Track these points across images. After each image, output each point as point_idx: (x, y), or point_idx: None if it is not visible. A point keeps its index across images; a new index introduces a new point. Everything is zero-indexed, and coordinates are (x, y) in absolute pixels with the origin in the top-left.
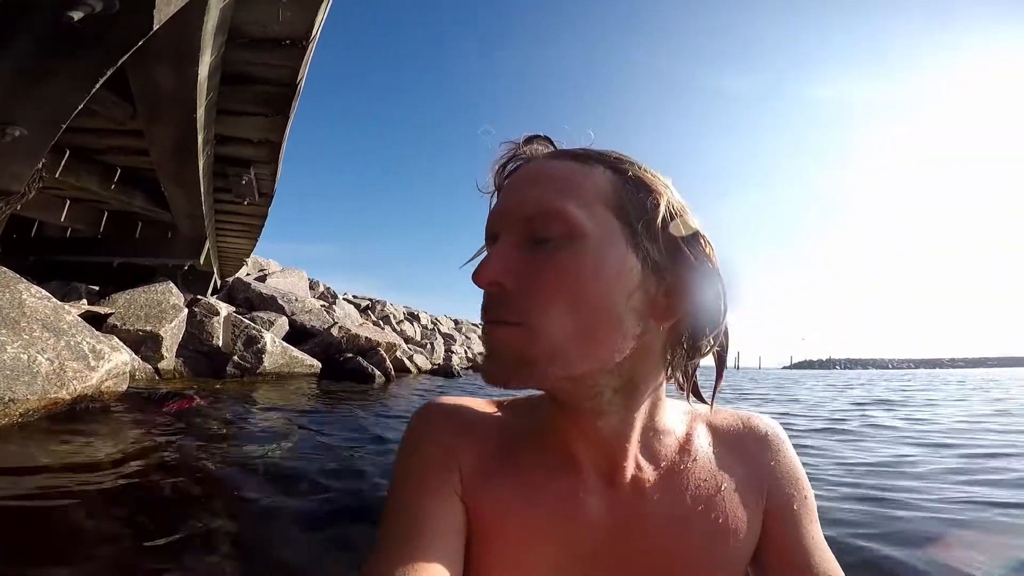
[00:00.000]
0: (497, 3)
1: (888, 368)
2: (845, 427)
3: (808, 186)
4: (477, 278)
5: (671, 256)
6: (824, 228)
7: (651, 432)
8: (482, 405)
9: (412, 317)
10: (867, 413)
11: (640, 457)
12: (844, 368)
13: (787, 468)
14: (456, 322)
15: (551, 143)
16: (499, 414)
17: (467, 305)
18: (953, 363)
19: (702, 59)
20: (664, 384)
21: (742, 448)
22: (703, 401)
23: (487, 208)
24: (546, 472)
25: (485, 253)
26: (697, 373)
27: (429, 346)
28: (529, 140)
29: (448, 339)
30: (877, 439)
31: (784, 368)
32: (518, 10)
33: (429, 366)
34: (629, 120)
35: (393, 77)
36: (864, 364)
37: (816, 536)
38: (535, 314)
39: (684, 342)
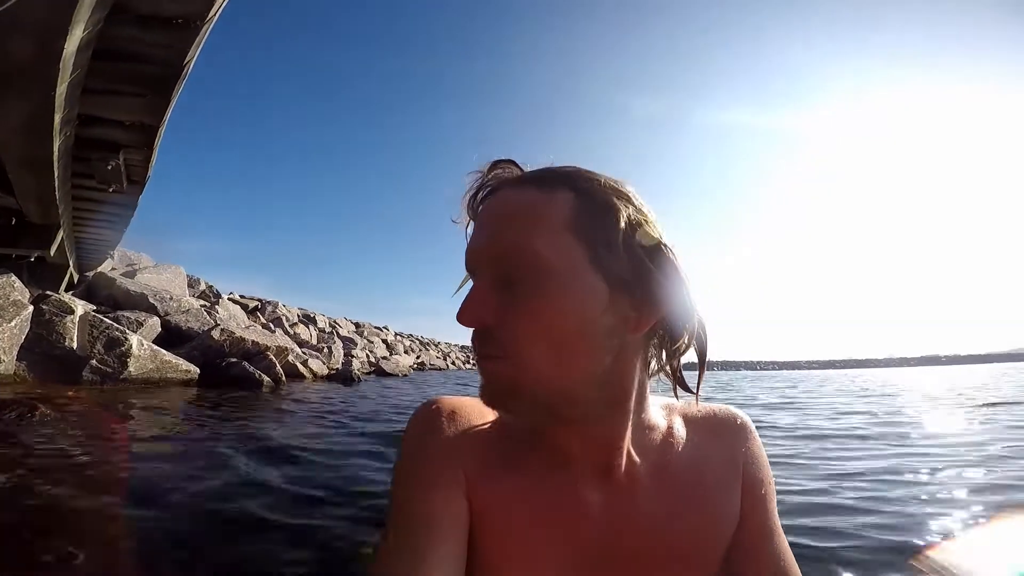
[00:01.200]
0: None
1: (757, 369)
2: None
3: (693, 200)
4: (461, 318)
5: (635, 270)
6: (709, 239)
7: (639, 428)
8: (479, 404)
9: (308, 319)
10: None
11: (631, 451)
12: (719, 369)
13: (757, 454)
14: (357, 325)
15: (516, 165)
16: (496, 413)
17: (390, 312)
18: (809, 365)
19: (614, 80)
20: (647, 382)
21: (718, 437)
22: (690, 392)
23: (460, 234)
24: (544, 469)
25: (470, 283)
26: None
27: (326, 350)
28: (494, 165)
29: (348, 343)
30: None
31: None
32: (434, 18)
33: (326, 371)
34: (548, 134)
35: (300, 59)
36: (737, 366)
37: (776, 516)
38: (516, 349)
39: (663, 344)
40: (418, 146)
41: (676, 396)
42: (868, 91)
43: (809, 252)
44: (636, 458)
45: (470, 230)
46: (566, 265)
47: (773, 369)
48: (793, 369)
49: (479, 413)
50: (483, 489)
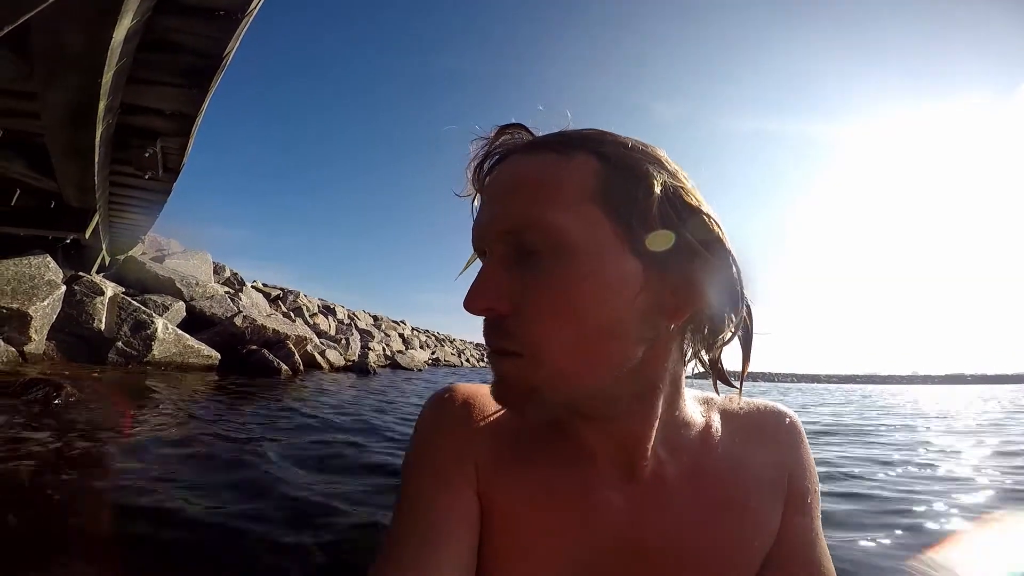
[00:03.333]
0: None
1: (775, 381)
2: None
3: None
4: (469, 305)
5: (675, 247)
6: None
7: (671, 425)
8: None
9: (327, 310)
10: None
11: (660, 450)
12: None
13: (806, 459)
14: (375, 318)
15: (527, 130)
16: None
17: (403, 306)
18: (829, 379)
19: (637, 85)
20: (683, 374)
21: (764, 438)
22: (731, 386)
23: (469, 212)
24: (562, 465)
25: (478, 262)
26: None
27: (344, 341)
28: (501, 131)
29: (365, 335)
30: None
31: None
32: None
33: (343, 362)
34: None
35: (331, 59)
36: (753, 377)
37: (820, 528)
38: (535, 341)
39: (703, 333)
40: (443, 143)
41: (716, 390)
42: (900, 101)
43: (825, 261)
44: (665, 458)
45: (477, 204)
46: (592, 241)
47: (791, 382)
48: (812, 383)
49: (493, 405)
50: (495, 485)
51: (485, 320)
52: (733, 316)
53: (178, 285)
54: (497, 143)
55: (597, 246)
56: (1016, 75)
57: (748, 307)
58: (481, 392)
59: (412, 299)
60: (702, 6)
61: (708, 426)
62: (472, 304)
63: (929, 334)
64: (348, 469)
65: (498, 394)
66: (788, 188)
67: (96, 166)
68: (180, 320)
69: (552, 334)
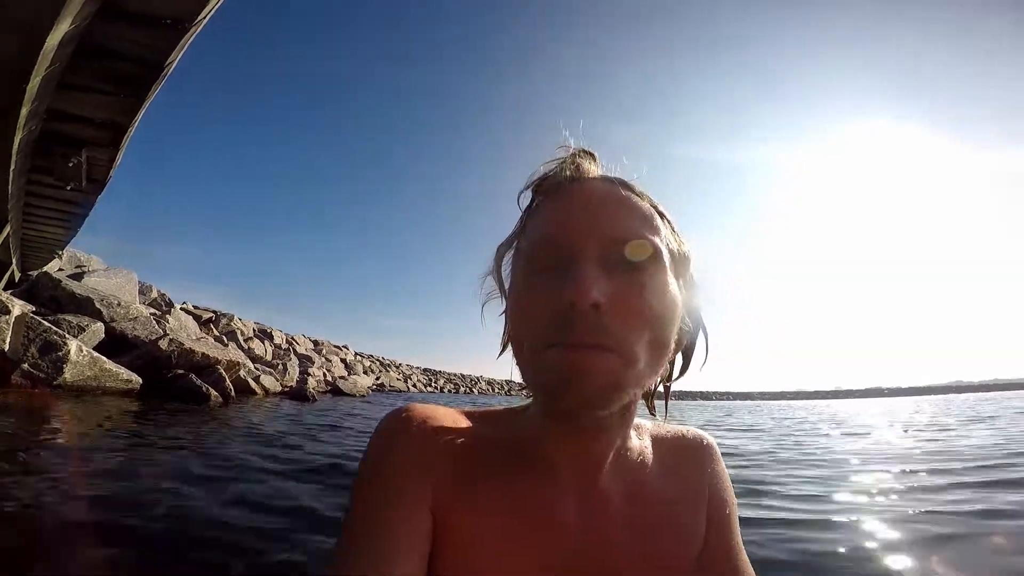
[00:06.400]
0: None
1: (713, 400)
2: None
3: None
4: (583, 295)
5: (688, 292)
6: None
7: (621, 445)
8: (453, 414)
9: (263, 334)
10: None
11: (610, 469)
12: (677, 399)
13: (722, 476)
14: (316, 343)
15: (595, 160)
16: (471, 424)
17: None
18: (762, 396)
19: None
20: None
21: (687, 460)
22: (654, 414)
23: (506, 213)
24: (523, 483)
25: (538, 285)
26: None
27: (281, 367)
28: (576, 154)
29: (305, 360)
30: None
31: None
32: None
33: (279, 388)
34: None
35: (279, 72)
36: (693, 396)
37: (739, 536)
38: (630, 340)
39: (671, 365)
40: (386, 164)
41: (654, 415)
42: (811, 131)
43: (751, 282)
44: (612, 476)
45: (550, 212)
46: (667, 264)
47: (728, 400)
48: (747, 400)
49: (452, 422)
50: (454, 503)
51: (572, 316)
52: (705, 343)
53: (97, 305)
54: (574, 164)
55: (668, 269)
56: (909, 107)
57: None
58: (439, 412)
59: (358, 325)
60: (661, 34)
61: (642, 447)
62: (586, 295)
63: (851, 351)
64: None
65: (580, 389)
66: (715, 214)
67: (12, 174)
68: (98, 342)
69: (642, 336)
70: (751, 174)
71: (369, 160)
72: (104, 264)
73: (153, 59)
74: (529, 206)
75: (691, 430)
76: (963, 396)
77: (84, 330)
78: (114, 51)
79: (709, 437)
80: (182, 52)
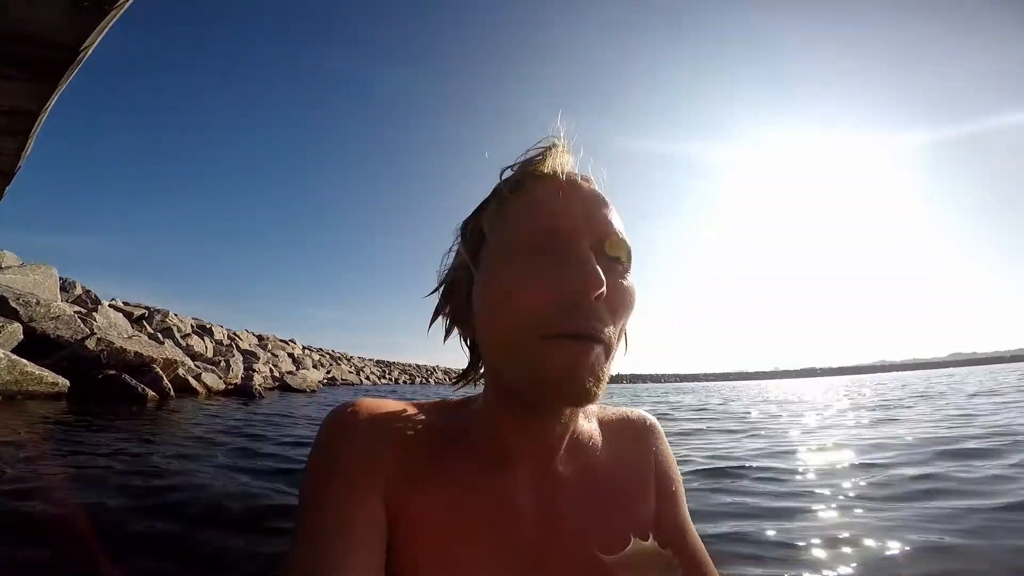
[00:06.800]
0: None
1: (661, 382)
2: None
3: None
4: (596, 285)
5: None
6: None
7: (575, 430)
8: (402, 406)
9: (203, 330)
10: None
11: (564, 452)
12: (628, 382)
13: (666, 453)
14: (260, 338)
15: (573, 157)
16: (422, 416)
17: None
18: (706, 377)
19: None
20: None
21: (631, 438)
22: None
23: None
24: (477, 471)
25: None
26: None
27: (224, 363)
28: (563, 148)
29: (249, 356)
30: None
31: None
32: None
33: (223, 386)
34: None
35: (212, 51)
36: (644, 379)
37: (687, 512)
38: (610, 331)
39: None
40: (318, 151)
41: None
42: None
43: (695, 265)
44: (566, 459)
45: (544, 201)
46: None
47: (675, 381)
48: (693, 381)
49: (402, 415)
50: (406, 495)
51: (583, 304)
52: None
53: (13, 304)
54: (563, 158)
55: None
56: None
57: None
58: (388, 404)
59: (302, 317)
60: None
61: (591, 431)
62: (598, 284)
63: (789, 333)
64: None
65: (583, 383)
66: (662, 205)
67: None
68: (16, 344)
69: (618, 326)
70: (692, 167)
71: (282, 149)
72: (19, 260)
73: (68, 43)
74: (511, 187)
75: (634, 411)
76: (890, 375)
77: (0, 331)
78: (22, 34)
79: (651, 416)
80: (101, 35)
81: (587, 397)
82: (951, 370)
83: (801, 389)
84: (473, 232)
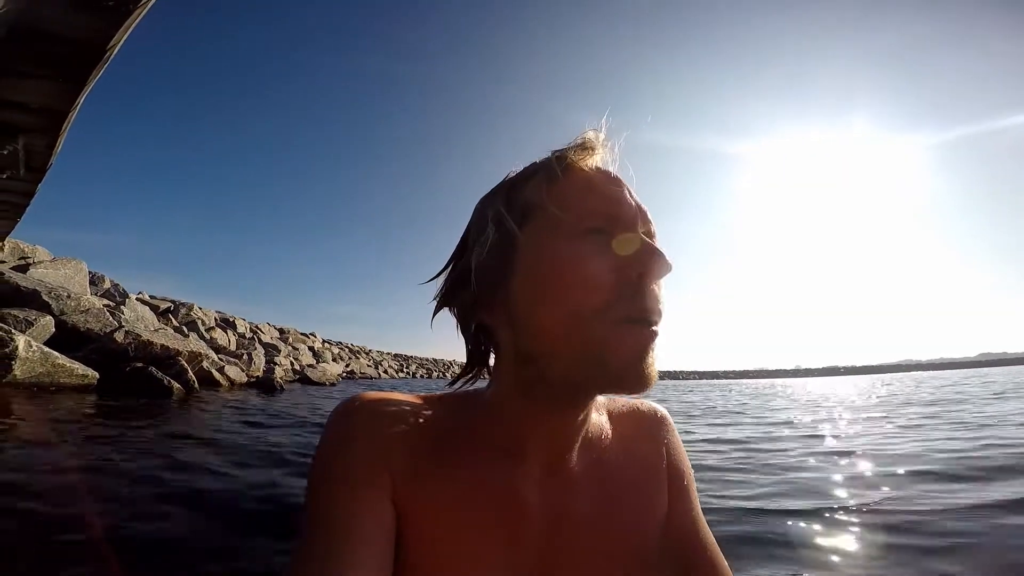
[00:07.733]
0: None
1: (680, 379)
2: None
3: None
4: (661, 264)
5: None
6: None
7: (588, 423)
8: (409, 400)
9: (226, 324)
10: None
11: (575, 446)
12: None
13: (677, 446)
14: (282, 331)
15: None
16: (428, 409)
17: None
18: (727, 375)
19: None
20: None
21: (643, 432)
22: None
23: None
24: (486, 467)
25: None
26: None
27: (246, 357)
28: (606, 140)
29: (271, 349)
30: None
31: None
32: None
33: (245, 379)
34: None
35: (243, 52)
36: (663, 376)
37: (698, 507)
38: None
39: None
40: (343, 149)
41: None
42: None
43: (714, 261)
44: (578, 454)
45: (602, 186)
46: None
47: (695, 379)
48: (713, 379)
49: (409, 408)
50: (412, 491)
51: (649, 288)
52: None
53: (45, 298)
54: (613, 154)
55: None
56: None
57: None
58: (394, 398)
59: (325, 312)
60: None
61: (602, 424)
62: (668, 267)
63: (811, 331)
64: None
65: (650, 365)
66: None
67: None
68: (48, 336)
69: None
70: (726, 162)
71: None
72: (51, 255)
73: (95, 42)
74: (565, 169)
75: (645, 403)
76: (914, 374)
77: (32, 324)
78: (52, 34)
79: (663, 409)
80: (126, 35)
81: (649, 383)
82: (983, 370)
83: (835, 388)
84: (525, 207)
